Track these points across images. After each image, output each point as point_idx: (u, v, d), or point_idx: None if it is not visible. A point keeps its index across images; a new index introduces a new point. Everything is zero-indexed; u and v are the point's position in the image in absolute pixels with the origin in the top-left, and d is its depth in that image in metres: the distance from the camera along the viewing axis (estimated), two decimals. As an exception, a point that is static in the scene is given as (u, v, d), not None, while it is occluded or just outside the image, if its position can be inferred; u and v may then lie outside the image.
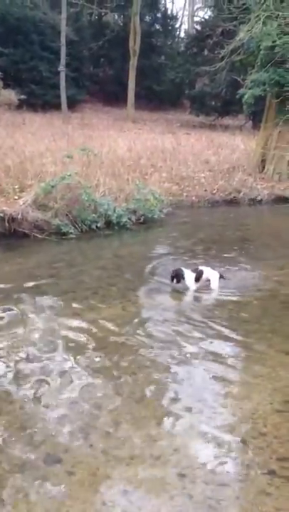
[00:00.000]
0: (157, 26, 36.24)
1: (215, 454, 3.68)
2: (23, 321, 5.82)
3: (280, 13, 13.34)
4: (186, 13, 46.89)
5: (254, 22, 13.93)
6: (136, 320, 6.02)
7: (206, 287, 7.04)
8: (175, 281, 6.87)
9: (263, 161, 16.29)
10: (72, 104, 26.93)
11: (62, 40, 24.37)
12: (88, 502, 3.22)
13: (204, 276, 6.97)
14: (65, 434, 3.85)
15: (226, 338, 5.62)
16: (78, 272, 7.80)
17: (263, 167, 16.23)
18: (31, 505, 3.19)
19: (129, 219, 10.60)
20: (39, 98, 26.18)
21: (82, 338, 5.46)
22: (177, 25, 40.55)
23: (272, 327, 5.99)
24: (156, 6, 35.65)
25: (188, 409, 4.23)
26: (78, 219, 9.98)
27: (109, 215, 10.27)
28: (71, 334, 5.54)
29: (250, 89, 15.51)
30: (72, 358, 5.02)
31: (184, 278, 6.83)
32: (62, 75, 24.58)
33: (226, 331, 5.78)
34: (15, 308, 6.14)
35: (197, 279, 6.92)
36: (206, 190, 14.21)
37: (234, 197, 14.29)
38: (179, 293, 6.97)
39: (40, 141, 15.05)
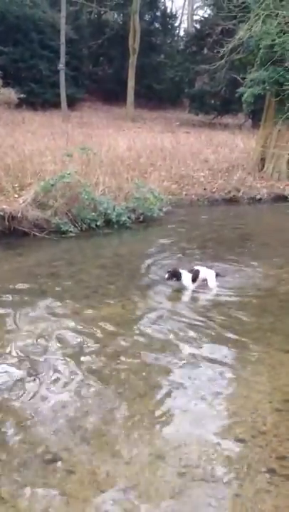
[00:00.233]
0: (157, 25, 36.19)
1: (215, 453, 3.69)
2: (23, 320, 5.82)
3: (280, 12, 13.33)
4: (185, 11, 46.92)
5: (254, 21, 13.91)
6: (135, 318, 6.03)
7: (204, 286, 7.04)
8: (173, 279, 6.87)
9: (263, 160, 16.29)
10: (72, 103, 26.91)
11: (62, 38, 24.34)
12: (88, 501, 3.22)
13: (201, 276, 6.97)
14: (64, 433, 3.86)
15: (225, 337, 5.62)
16: (78, 270, 7.81)
17: (263, 166, 16.23)
18: (31, 503, 3.20)
19: (129, 218, 10.60)
20: (39, 97, 26.16)
21: (82, 336, 5.46)
22: (177, 24, 40.56)
23: (272, 326, 6.00)
24: (155, 5, 35.59)
25: (188, 408, 4.24)
26: (78, 218, 9.98)
27: (109, 214, 10.27)
28: (70, 333, 5.54)
29: (249, 87, 15.49)
30: (71, 356, 5.02)
31: (180, 278, 6.83)
32: (62, 74, 24.55)
33: (226, 330, 5.79)
34: (14, 307, 6.14)
35: (194, 280, 6.92)
36: (205, 189, 14.22)
37: (233, 195, 14.29)
38: (178, 292, 6.97)
39: (39, 139, 15.04)
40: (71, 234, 9.66)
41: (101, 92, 32.53)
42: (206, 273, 7.02)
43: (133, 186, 11.34)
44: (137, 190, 11.13)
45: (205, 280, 7.01)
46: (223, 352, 5.27)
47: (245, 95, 15.64)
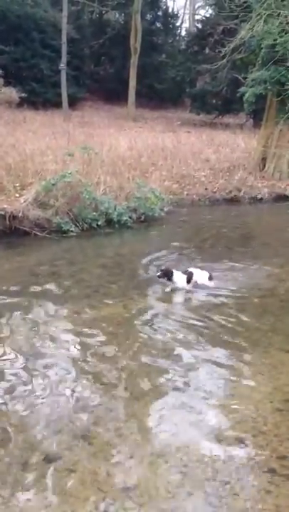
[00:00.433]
0: (158, 24, 36.19)
1: (215, 452, 3.69)
2: (23, 319, 5.83)
3: (282, 12, 13.32)
4: (187, 11, 46.91)
5: (255, 20, 13.90)
6: (136, 318, 6.03)
7: (197, 287, 7.02)
8: (164, 278, 6.88)
9: (264, 160, 16.28)
10: (73, 103, 26.91)
11: (63, 38, 24.33)
12: (89, 500, 3.23)
13: (194, 278, 6.97)
14: (65, 432, 3.86)
15: (226, 337, 5.62)
16: (79, 270, 7.81)
17: (264, 165, 16.22)
18: (32, 502, 3.20)
19: (130, 217, 10.60)
20: (40, 96, 26.15)
21: (83, 336, 5.47)
22: (178, 24, 40.60)
23: (273, 326, 6.00)
24: (157, 4, 35.58)
25: (189, 408, 4.23)
26: (79, 217, 9.98)
27: (110, 214, 10.27)
28: (71, 332, 5.55)
29: (251, 87, 15.49)
30: (72, 356, 5.03)
31: (171, 278, 6.83)
32: (63, 73, 24.54)
33: (226, 330, 5.79)
34: (15, 307, 6.15)
35: (188, 281, 6.92)
36: (206, 189, 14.21)
37: (235, 195, 14.28)
38: (179, 292, 6.96)
39: (40, 139, 15.05)
40: (72, 233, 9.67)
41: (102, 92, 32.52)
42: (200, 275, 7.01)
43: (134, 186, 11.34)
44: (138, 190, 11.13)
45: (198, 281, 7.00)
46: (223, 352, 5.27)
47: (247, 95, 15.63)
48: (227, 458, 3.64)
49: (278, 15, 13.40)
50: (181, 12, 44.42)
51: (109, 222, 10.31)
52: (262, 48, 14.64)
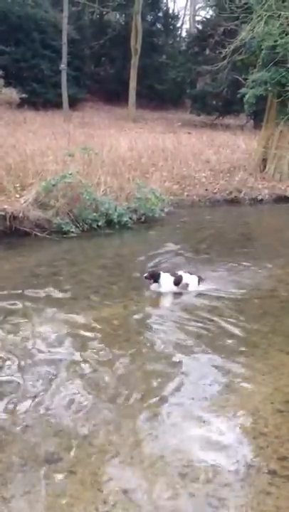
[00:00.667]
0: (159, 25, 36.15)
1: (216, 454, 3.68)
2: (24, 320, 5.82)
3: (282, 13, 13.33)
4: (187, 12, 46.91)
5: (256, 22, 13.91)
6: (137, 319, 6.03)
7: (186, 291, 7.00)
8: (151, 280, 6.87)
9: (264, 161, 16.28)
10: (74, 103, 26.89)
11: (64, 38, 24.33)
12: (89, 501, 3.22)
13: (183, 281, 6.95)
14: (65, 432, 3.86)
15: (227, 338, 5.62)
16: (79, 270, 7.80)
17: (264, 167, 16.22)
18: (33, 503, 3.19)
19: (130, 218, 10.60)
20: (40, 97, 26.14)
21: (83, 337, 5.46)
22: (179, 25, 40.53)
23: (273, 327, 5.99)
24: (157, 5, 35.58)
25: (190, 409, 4.23)
26: (79, 218, 9.98)
27: (110, 214, 10.27)
28: (72, 333, 5.54)
29: (251, 88, 15.49)
30: (72, 356, 5.02)
31: (158, 280, 6.81)
32: (64, 74, 24.53)
33: (227, 330, 5.79)
34: (15, 307, 6.14)
35: (176, 284, 6.90)
36: (206, 190, 14.22)
37: (235, 196, 14.29)
38: (179, 292, 6.95)
39: (41, 139, 15.04)
40: (72, 234, 9.66)
41: (103, 93, 32.53)
42: (189, 279, 7.01)
43: (134, 187, 11.34)
44: (139, 191, 11.13)
45: (187, 285, 6.99)
46: (224, 353, 5.26)
47: (247, 96, 15.64)
48: (227, 459, 3.64)
49: (279, 16, 13.41)
50: (181, 13, 44.48)
51: (110, 222, 10.31)
52: (262, 49, 14.65)
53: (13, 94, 27.26)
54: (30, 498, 3.23)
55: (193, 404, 4.31)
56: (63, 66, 24.50)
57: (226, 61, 17.75)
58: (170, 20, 37.14)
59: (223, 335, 5.69)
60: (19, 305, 6.21)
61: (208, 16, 34.96)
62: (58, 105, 25.10)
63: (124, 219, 10.41)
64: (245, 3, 15.20)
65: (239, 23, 17.32)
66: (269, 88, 14.90)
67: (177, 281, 6.91)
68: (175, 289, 6.92)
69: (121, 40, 31.09)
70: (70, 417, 4.06)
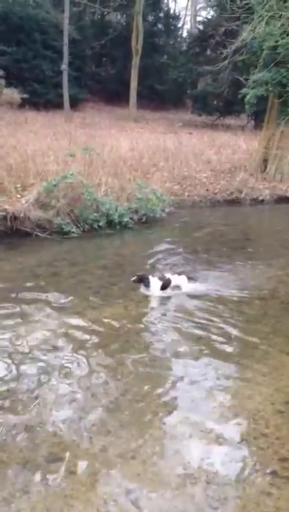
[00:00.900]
0: (160, 26, 36.19)
1: (216, 454, 3.68)
2: (25, 320, 5.82)
3: (283, 13, 13.34)
4: (188, 12, 46.94)
5: (257, 22, 13.93)
6: (138, 319, 6.03)
7: (177, 292, 6.97)
8: (141, 284, 6.82)
9: (265, 161, 16.29)
10: (75, 103, 26.92)
11: (65, 39, 24.36)
12: (90, 501, 3.22)
13: (173, 283, 6.92)
14: (66, 432, 3.86)
15: (228, 338, 5.62)
16: (80, 271, 7.80)
17: (265, 167, 16.23)
18: (33, 503, 3.20)
19: (131, 218, 10.61)
20: (41, 97, 26.16)
21: (84, 337, 5.46)
22: (180, 25, 40.63)
23: (274, 327, 5.99)
24: (158, 6, 35.61)
25: (190, 410, 4.23)
26: (80, 218, 9.99)
27: (111, 215, 10.27)
28: (72, 333, 5.54)
29: (252, 89, 15.50)
30: (73, 357, 5.02)
31: (147, 284, 6.77)
32: (65, 74, 24.56)
33: (228, 331, 5.78)
34: (16, 307, 6.14)
35: (165, 287, 6.85)
36: (207, 190, 14.23)
37: (236, 197, 14.30)
38: (179, 293, 6.95)
39: (42, 140, 15.06)
40: (73, 234, 9.67)
41: (104, 93, 32.55)
42: (178, 280, 6.99)
43: (135, 187, 11.34)
44: (140, 191, 11.14)
45: (178, 287, 6.98)
46: (224, 354, 5.26)
47: (248, 96, 15.64)
48: (228, 460, 3.64)
49: (280, 16, 13.42)
50: (182, 13, 44.53)
51: (111, 223, 10.31)
52: (263, 50, 14.65)
53: (14, 94, 27.28)
54: (31, 498, 3.23)
55: (193, 404, 4.30)
56: (64, 66, 24.52)
57: (226, 61, 17.80)
58: (171, 20, 37.17)
59: (223, 336, 5.68)
60: (19, 305, 6.21)
61: (209, 16, 35.11)
62: (59, 105, 25.13)
63: (125, 219, 10.42)
64: (247, 4, 15.20)
65: (240, 24, 17.34)
66: (270, 88, 14.91)
67: (165, 285, 6.86)
68: (162, 293, 6.85)
69: (122, 41, 31.12)
70: (69, 417, 4.05)
